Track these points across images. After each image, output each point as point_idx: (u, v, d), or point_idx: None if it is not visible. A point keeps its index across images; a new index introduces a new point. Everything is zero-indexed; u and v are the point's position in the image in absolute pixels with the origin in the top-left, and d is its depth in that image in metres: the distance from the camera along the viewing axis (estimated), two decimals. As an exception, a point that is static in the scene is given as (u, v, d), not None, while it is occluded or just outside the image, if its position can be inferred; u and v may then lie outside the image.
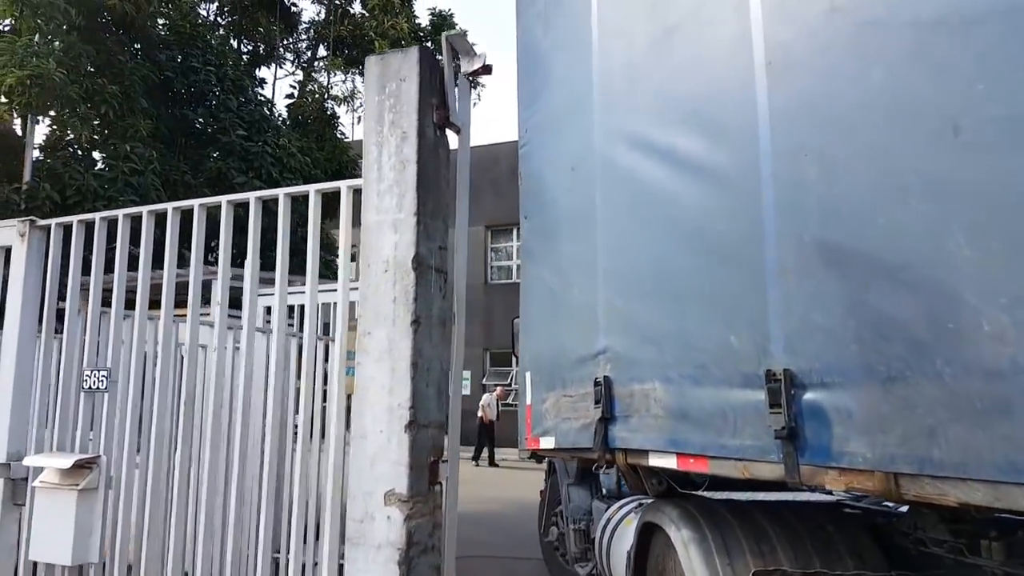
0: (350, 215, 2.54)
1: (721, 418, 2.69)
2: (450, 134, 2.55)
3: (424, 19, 20.53)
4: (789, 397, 2.37)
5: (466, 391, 23.41)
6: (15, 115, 11.28)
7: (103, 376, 3.01)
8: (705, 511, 3.24)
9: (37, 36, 11.26)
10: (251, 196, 2.73)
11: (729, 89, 2.84)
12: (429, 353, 2.25)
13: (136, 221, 3.06)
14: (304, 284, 2.59)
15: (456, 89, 2.63)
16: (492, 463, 19.12)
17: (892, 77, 2.25)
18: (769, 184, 2.58)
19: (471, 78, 2.72)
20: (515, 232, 25.36)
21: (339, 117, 18.86)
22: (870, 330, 2.17)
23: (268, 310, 5.69)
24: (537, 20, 4.53)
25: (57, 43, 11.38)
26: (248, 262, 2.72)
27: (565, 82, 4.10)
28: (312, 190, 2.58)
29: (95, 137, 12.37)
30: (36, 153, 11.80)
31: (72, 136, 12.04)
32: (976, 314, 1.92)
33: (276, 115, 17.22)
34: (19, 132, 11.89)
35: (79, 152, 12.15)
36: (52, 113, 11.47)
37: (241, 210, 2.79)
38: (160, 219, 2.99)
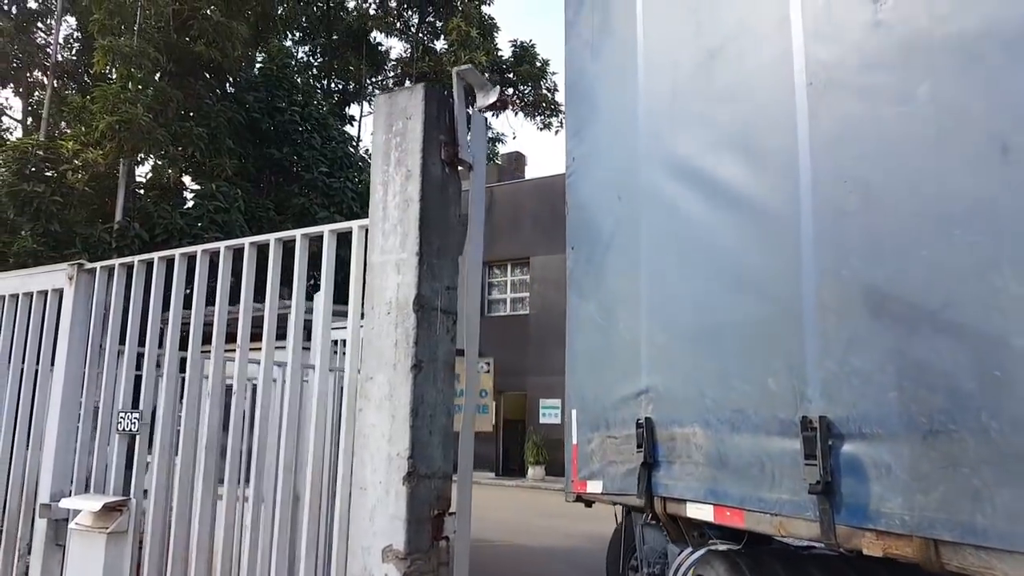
0: (362, 255, 2.51)
1: (759, 468, 2.51)
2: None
3: (506, 51, 20.54)
4: (825, 448, 2.19)
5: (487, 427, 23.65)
6: (107, 159, 11.83)
7: (135, 418, 3.05)
8: (756, 566, 3.03)
9: (129, 83, 11.87)
10: (271, 238, 2.77)
11: (770, 113, 2.70)
12: (433, 399, 2.14)
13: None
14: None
15: (470, 125, 2.55)
16: None
17: (937, 94, 2.08)
18: (809, 215, 2.42)
19: (490, 111, 2.65)
20: (509, 267, 26.19)
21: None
22: (910, 377, 1.98)
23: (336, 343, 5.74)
24: (585, 48, 4.46)
25: (147, 89, 11.98)
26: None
27: (612, 110, 4.01)
28: (326, 231, 2.59)
29: (182, 178, 12.95)
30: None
31: (163, 177, 12.64)
32: (1026, 361, 1.71)
33: (361, 151, 17.67)
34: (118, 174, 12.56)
35: (167, 192, 12.74)
36: (141, 156, 12.08)
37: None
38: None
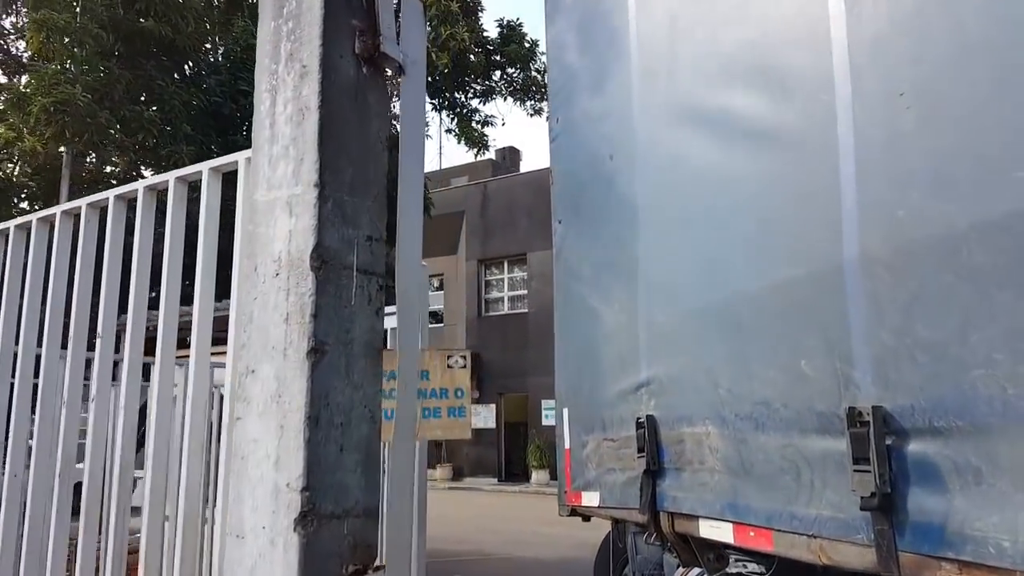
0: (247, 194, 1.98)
1: (793, 476, 1.99)
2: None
3: (492, 31, 19.90)
4: (882, 448, 1.67)
5: (490, 423, 23.21)
6: (46, 147, 11.19)
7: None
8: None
9: (70, 64, 11.25)
10: (140, 186, 2.27)
11: (793, 23, 2.21)
12: (345, 399, 1.50)
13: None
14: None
15: (400, 11, 1.85)
16: None
17: None
18: (849, 144, 1.91)
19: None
20: (506, 264, 26.01)
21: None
22: (1006, 347, 1.45)
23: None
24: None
25: (89, 69, 11.33)
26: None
27: (599, 55, 3.49)
28: (207, 169, 2.09)
29: (137, 169, 12.42)
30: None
31: (110, 166, 12.08)
32: None
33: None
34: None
35: (113, 182, 12.17)
36: (84, 143, 11.29)
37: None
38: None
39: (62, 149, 11.78)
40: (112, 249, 2.33)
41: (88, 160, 12.38)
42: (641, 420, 2.78)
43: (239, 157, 2.03)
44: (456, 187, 27.94)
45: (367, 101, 1.68)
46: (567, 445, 3.55)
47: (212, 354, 2.36)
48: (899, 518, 1.63)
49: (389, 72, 1.74)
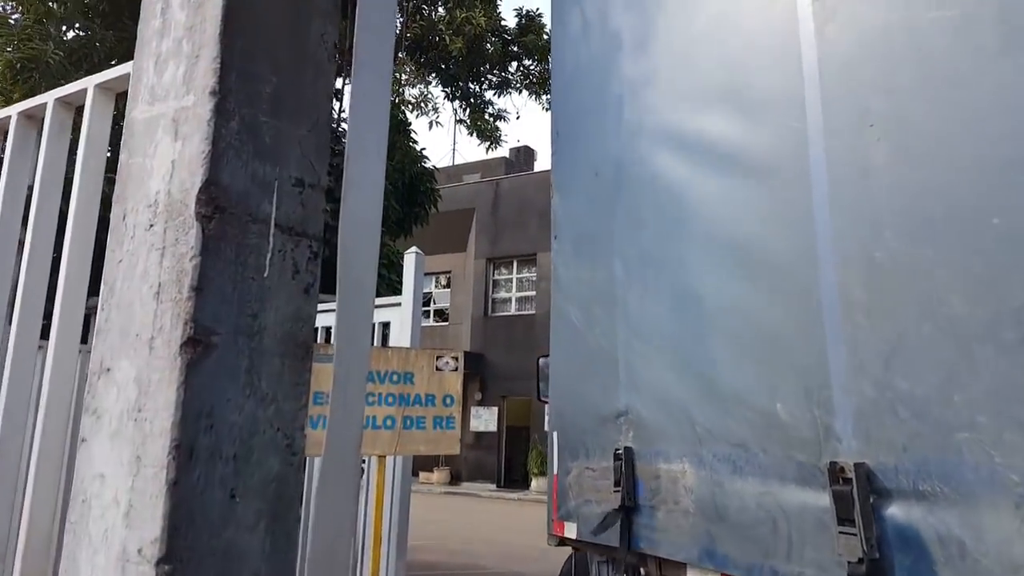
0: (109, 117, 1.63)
1: (770, 527, 1.87)
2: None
3: (511, 20, 19.59)
4: (867, 510, 1.55)
5: (491, 427, 23.03)
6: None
7: None
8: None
9: (46, 21, 10.64)
10: (12, 111, 1.85)
11: (763, 45, 2.13)
12: (243, 418, 1.03)
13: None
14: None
15: None
16: None
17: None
18: (821, 175, 1.80)
19: None
20: (515, 263, 25.79)
21: (411, 124, 18.03)
22: (990, 409, 1.33)
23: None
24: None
25: (64, 28, 10.74)
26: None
27: (587, 65, 3.40)
28: (92, 86, 1.61)
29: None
30: None
31: None
32: None
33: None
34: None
35: None
36: None
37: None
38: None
39: None
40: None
41: None
42: (619, 451, 2.67)
43: (132, 67, 1.48)
44: (467, 183, 27.87)
45: None
46: (555, 471, 3.44)
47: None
48: (881, 587, 1.52)
49: None
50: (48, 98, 1.72)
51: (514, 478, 22.91)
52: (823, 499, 1.67)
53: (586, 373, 3.16)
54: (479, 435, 22.46)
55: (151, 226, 1.10)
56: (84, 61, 10.63)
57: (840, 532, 1.59)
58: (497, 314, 25.97)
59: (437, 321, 26.54)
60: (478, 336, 24.89)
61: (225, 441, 1.02)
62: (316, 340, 1.12)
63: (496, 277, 26.50)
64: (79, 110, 1.70)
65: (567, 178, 3.68)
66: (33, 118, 1.81)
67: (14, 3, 11.04)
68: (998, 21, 1.47)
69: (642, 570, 2.65)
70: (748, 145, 2.12)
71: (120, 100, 1.61)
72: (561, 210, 3.71)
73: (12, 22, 10.75)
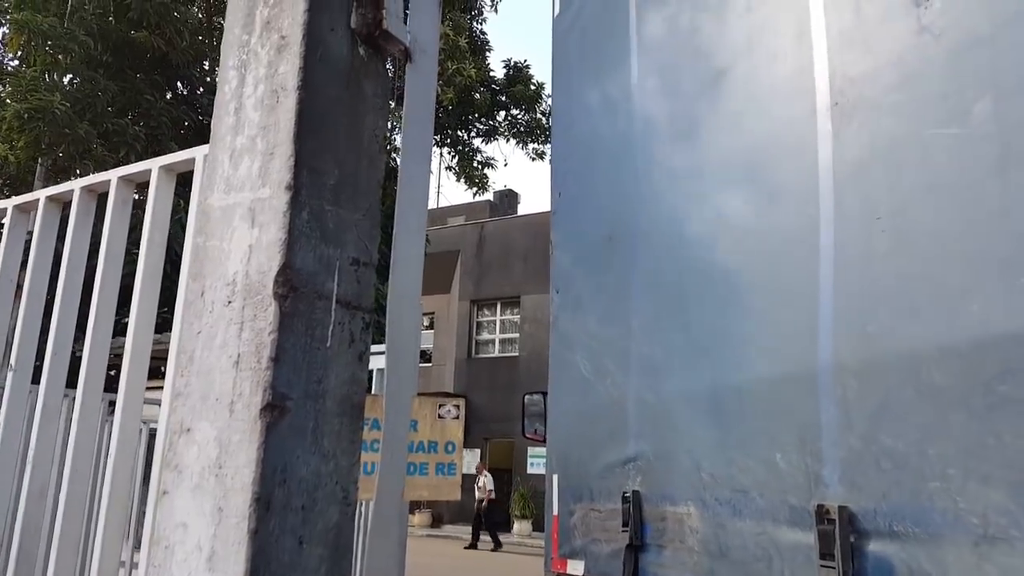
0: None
1: (766, 564, 2.17)
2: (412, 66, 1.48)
3: (499, 71, 20.17)
4: (847, 547, 1.85)
5: (474, 469, 23.00)
6: (19, 157, 10.60)
7: None
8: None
9: (53, 72, 10.93)
10: (76, 185, 1.96)
11: (785, 139, 2.44)
12: (310, 472, 1.18)
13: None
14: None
15: None
16: (497, 545, 18.50)
17: (1000, 111, 1.78)
18: (829, 258, 2.11)
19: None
20: (499, 306, 26.21)
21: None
22: (958, 464, 1.64)
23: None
24: (572, 74, 4.19)
25: (69, 77, 10.97)
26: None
27: (603, 141, 3.73)
28: (157, 167, 1.76)
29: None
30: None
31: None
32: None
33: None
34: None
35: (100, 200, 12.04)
36: (61, 154, 10.90)
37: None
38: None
39: (38, 161, 11.29)
40: (38, 260, 1.97)
41: (66, 174, 11.84)
42: (627, 495, 2.94)
43: (197, 153, 1.64)
44: (452, 226, 28.22)
45: (362, 89, 1.35)
46: (555, 511, 3.70)
47: (150, 388, 1.92)
48: (860, 614, 1.81)
49: (393, 58, 1.43)
50: (112, 175, 1.86)
51: (496, 520, 22.97)
52: (810, 538, 1.96)
53: (593, 421, 3.45)
54: (463, 477, 22.50)
55: (229, 302, 1.22)
56: (87, 111, 10.85)
57: (822, 566, 1.88)
58: (480, 356, 26.19)
59: (421, 362, 26.62)
60: (461, 378, 25.08)
61: (295, 494, 1.14)
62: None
63: (480, 319, 26.76)
64: (143, 188, 1.83)
65: (571, 239, 3.99)
66: (92, 191, 1.94)
67: (17, 52, 11.16)
68: (995, 141, 1.80)
69: None
70: (763, 226, 2.44)
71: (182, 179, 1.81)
72: (564, 267, 4.02)
73: (11, 69, 10.78)
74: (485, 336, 26.58)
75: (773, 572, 2.12)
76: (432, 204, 33.77)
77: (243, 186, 1.24)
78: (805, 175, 2.26)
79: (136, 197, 2.07)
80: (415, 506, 22.74)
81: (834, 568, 1.84)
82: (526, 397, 5.67)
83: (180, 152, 1.75)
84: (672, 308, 2.89)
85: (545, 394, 5.70)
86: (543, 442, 5.54)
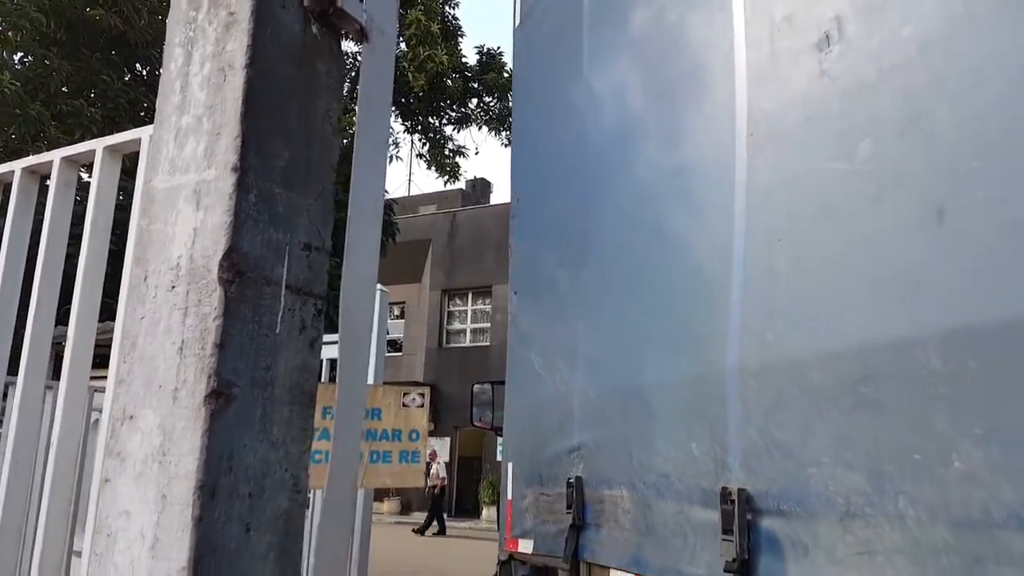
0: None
1: (682, 539, 2.49)
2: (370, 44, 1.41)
3: (472, 57, 20.11)
4: (743, 523, 2.16)
5: (443, 457, 23.25)
6: None
7: None
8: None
9: (2, 48, 10.62)
10: (17, 166, 1.89)
11: (711, 162, 2.73)
12: (258, 460, 1.16)
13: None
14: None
15: None
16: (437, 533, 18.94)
17: (879, 151, 2.09)
18: (741, 273, 2.42)
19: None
20: (470, 295, 26.43)
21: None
22: (829, 453, 1.96)
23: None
24: (528, 83, 4.48)
25: (18, 56, 10.62)
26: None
27: (558, 150, 4.03)
28: (101, 147, 1.68)
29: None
30: None
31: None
32: (946, 446, 1.71)
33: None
34: None
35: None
36: (13, 136, 10.48)
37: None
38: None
39: None
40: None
41: (18, 157, 11.78)
42: (571, 480, 3.26)
43: (143, 133, 1.56)
44: (424, 215, 28.28)
45: (315, 69, 1.31)
46: (509, 496, 4.02)
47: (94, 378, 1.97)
48: (752, 579, 2.13)
49: (346, 37, 1.38)
50: (55, 155, 1.75)
51: (465, 507, 23.32)
52: (716, 516, 2.28)
53: (543, 414, 3.76)
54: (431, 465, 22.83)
55: (173, 287, 1.18)
56: (40, 91, 10.53)
57: (723, 539, 2.20)
58: (451, 345, 26.41)
59: (390, 352, 26.83)
60: (431, 367, 25.29)
61: (242, 481, 1.12)
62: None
63: (451, 308, 26.94)
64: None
65: (528, 243, 4.29)
66: (34, 172, 1.85)
67: None
68: (873, 178, 2.09)
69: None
70: (688, 240, 2.75)
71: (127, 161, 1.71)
72: (521, 269, 4.32)
73: None
74: (456, 326, 26.80)
75: (688, 546, 2.44)
76: (403, 192, 33.79)
77: (188, 167, 1.21)
78: (725, 195, 2.56)
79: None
80: (383, 494, 23.01)
81: (732, 541, 2.16)
82: (475, 387, 6.00)
83: (125, 132, 1.64)
84: (611, 312, 3.20)
85: (494, 384, 6.03)
86: (491, 429, 5.87)
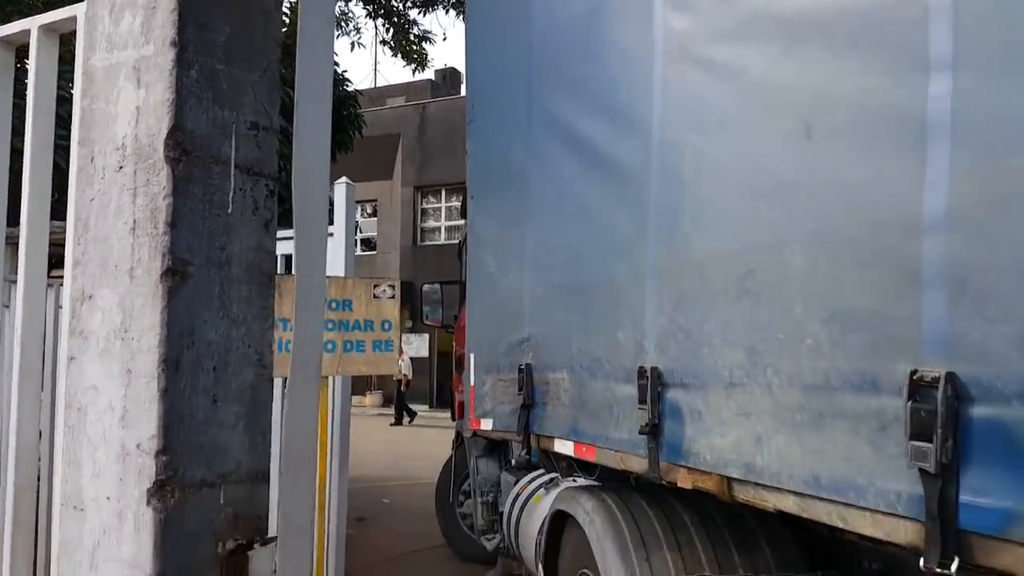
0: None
1: (608, 410, 2.94)
2: None
3: None
4: (655, 395, 2.60)
5: (423, 352, 24.05)
6: None
7: None
8: (621, 500, 3.45)
9: None
10: None
11: (633, 77, 3.00)
12: (219, 336, 1.18)
13: None
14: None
15: None
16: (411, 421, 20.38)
17: (764, 72, 2.36)
18: (656, 178, 2.76)
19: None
20: (444, 192, 26.13)
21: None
22: (719, 335, 2.38)
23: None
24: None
25: None
26: None
27: (507, 52, 4.28)
28: (35, 26, 1.50)
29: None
30: None
31: None
32: (801, 327, 2.10)
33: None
34: None
35: None
36: None
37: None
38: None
39: None
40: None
41: None
42: (522, 367, 3.71)
43: (78, 10, 1.42)
44: (392, 107, 27.62)
45: None
46: (472, 383, 4.49)
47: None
48: (660, 440, 2.59)
49: None
50: (32, 24, 1.54)
51: (445, 399, 24.03)
52: (635, 390, 2.72)
53: (498, 309, 4.19)
54: (412, 360, 23.41)
55: (120, 168, 1.16)
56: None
57: (639, 408, 2.65)
58: (427, 243, 26.52)
59: (364, 250, 26.83)
60: (407, 265, 25.37)
61: (205, 356, 1.15)
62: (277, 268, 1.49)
63: (425, 206, 26.85)
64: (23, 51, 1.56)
65: (482, 149, 4.61)
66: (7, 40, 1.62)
67: None
68: (760, 94, 2.38)
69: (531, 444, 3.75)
70: (615, 151, 3.06)
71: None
72: (476, 175, 4.66)
73: None
74: (431, 224, 26.82)
75: (613, 416, 2.91)
76: (369, 84, 32.85)
77: (126, 44, 1.17)
78: (645, 109, 2.84)
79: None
80: (365, 388, 23.69)
81: (646, 410, 2.61)
82: (425, 287, 6.33)
83: (61, 9, 1.50)
84: (554, 217, 3.57)
85: (443, 284, 6.38)
86: (441, 327, 6.28)
